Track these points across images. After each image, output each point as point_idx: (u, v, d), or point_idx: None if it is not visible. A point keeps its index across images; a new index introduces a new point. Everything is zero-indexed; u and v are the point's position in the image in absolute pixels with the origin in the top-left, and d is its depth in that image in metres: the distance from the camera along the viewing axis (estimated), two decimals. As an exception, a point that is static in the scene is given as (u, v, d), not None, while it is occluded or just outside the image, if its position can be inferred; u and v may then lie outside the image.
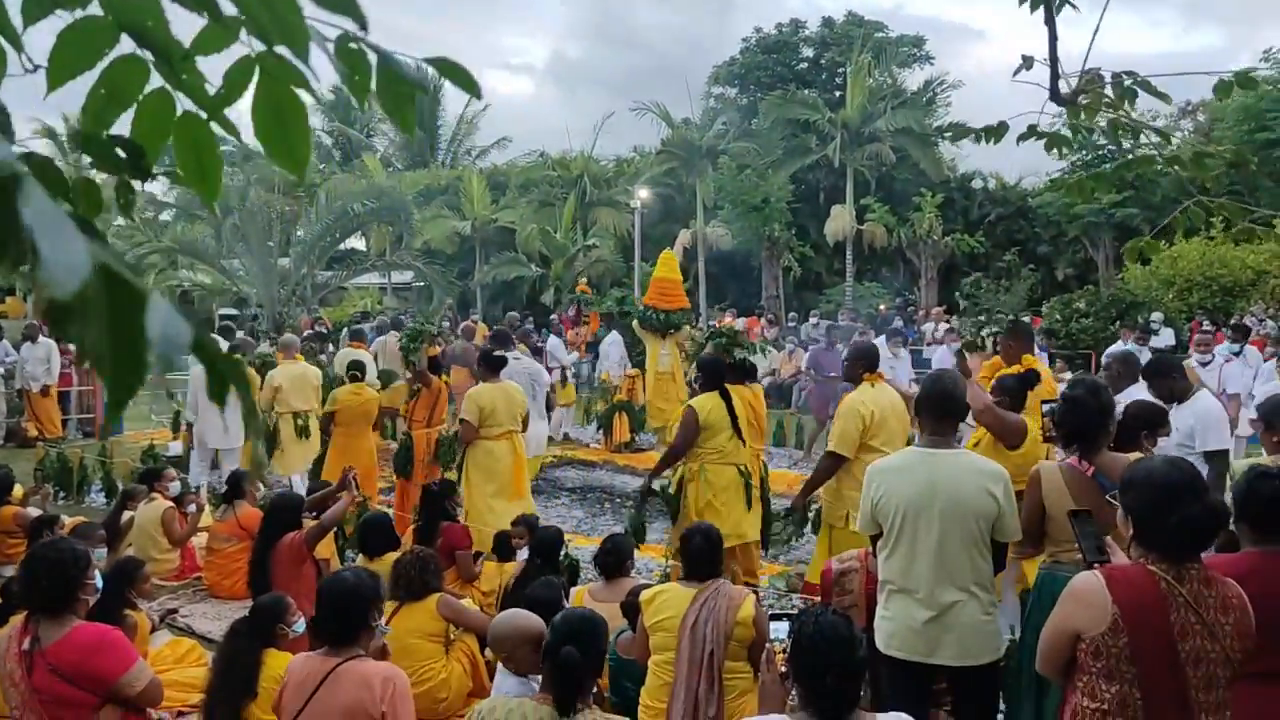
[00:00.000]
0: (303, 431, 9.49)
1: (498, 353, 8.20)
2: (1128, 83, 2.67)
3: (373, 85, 1.08)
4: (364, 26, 1.02)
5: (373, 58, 1.07)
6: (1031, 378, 5.81)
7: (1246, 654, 2.65)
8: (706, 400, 6.64)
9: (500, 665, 4.08)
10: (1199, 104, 30.79)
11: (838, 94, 34.98)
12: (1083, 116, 2.76)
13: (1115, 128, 2.99)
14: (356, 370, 9.27)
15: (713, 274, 33.05)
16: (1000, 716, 4.46)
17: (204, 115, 1.12)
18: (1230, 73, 2.70)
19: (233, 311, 32.16)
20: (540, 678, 3.96)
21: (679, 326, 12.63)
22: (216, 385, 0.88)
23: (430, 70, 1.12)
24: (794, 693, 2.69)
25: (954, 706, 4.10)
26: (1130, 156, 3.42)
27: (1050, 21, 2.59)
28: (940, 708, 4.29)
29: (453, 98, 57.24)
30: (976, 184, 34.91)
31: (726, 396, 6.61)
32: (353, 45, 1.05)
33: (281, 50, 1.02)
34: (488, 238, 34.75)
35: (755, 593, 4.82)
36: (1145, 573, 2.67)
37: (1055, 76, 2.67)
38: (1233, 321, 15.59)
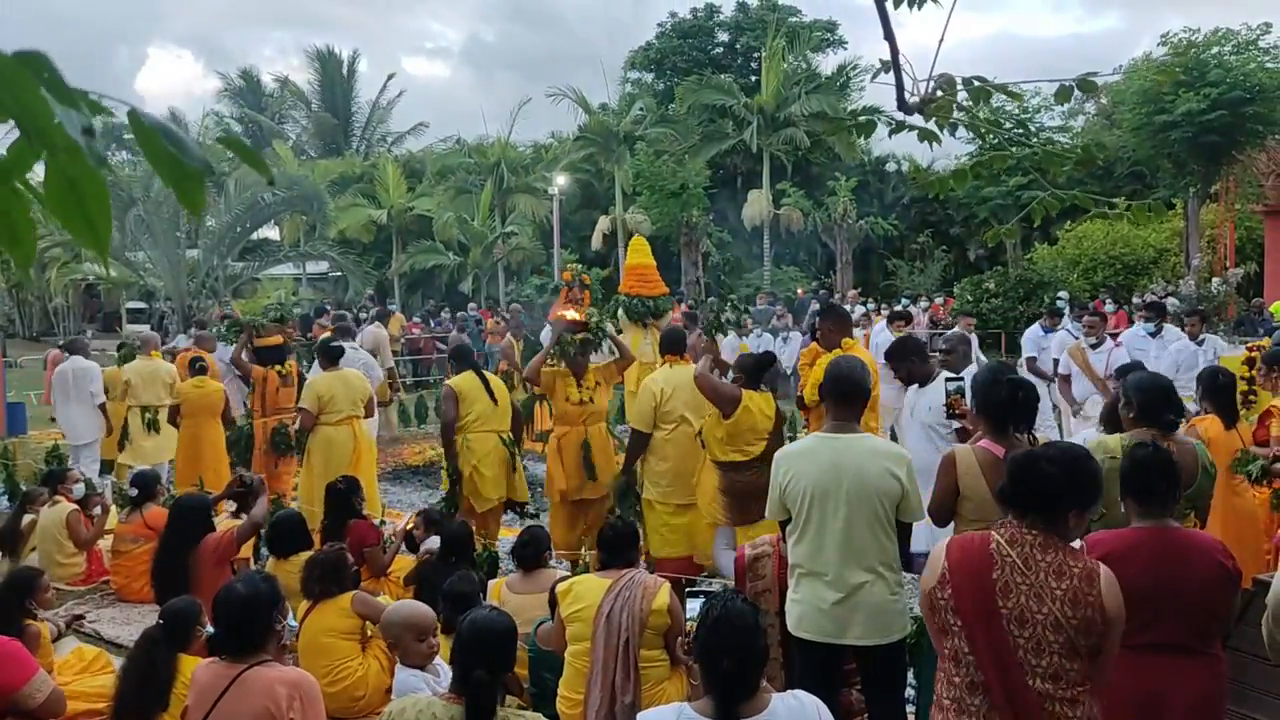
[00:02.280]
0: (151, 425, 9.80)
1: (335, 343, 8.67)
2: (975, 85, 2.75)
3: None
4: (89, 129, 1.01)
5: (164, 142, 1.05)
6: (766, 360, 6.41)
7: (1089, 626, 2.70)
8: (461, 380, 7.29)
9: (399, 661, 4.11)
10: (1102, 87, 31.68)
11: (753, 79, 35.25)
12: (934, 120, 2.84)
13: (972, 128, 3.11)
14: (197, 366, 9.70)
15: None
16: (910, 691, 4.58)
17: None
18: (1073, 78, 2.79)
19: (140, 305, 31.33)
20: (434, 667, 3.98)
21: (663, 313, 12.28)
22: None
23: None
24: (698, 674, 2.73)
25: (864, 685, 4.19)
26: (993, 152, 3.53)
27: (889, 37, 2.66)
28: (851, 686, 4.39)
29: (367, 83, 56.35)
30: (890, 167, 35.48)
31: (480, 374, 7.35)
32: (144, 123, 1.03)
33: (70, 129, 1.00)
34: (404, 226, 34.35)
35: None
36: (981, 536, 2.85)
37: (900, 88, 2.74)
38: (1146, 299, 15.49)
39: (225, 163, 33.99)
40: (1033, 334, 11.22)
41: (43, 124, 0.98)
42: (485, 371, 7.49)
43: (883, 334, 11.60)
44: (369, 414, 8.29)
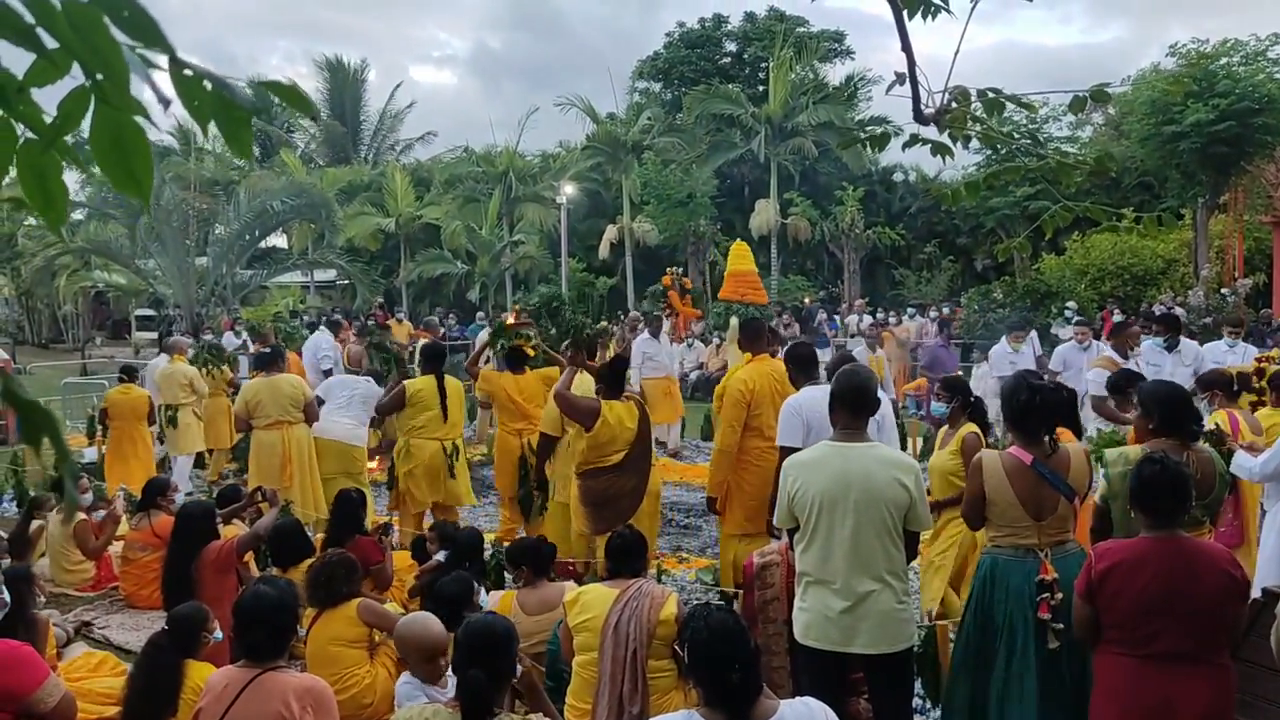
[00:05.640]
0: (171, 421, 10.42)
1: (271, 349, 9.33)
2: (990, 96, 2.77)
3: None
4: (173, 55, 1.04)
5: (207, 84, 1.08)
6: (620, 365, 6.64)
7: None
8: (420, 381, 7.67)
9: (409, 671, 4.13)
10: (1112, 97, 31.51)
11: (761, 89, 35.26)
12: (949, 133, 2.86)
13: (986, 139, 3.13)
14: (126, 374, 10.46)
15: (640, 270, 33.14)
16: (917, 700, 4.58)
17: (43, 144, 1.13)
18: (1087, 89, 2.82)
19: (149, 312, 31.42)
20: (440, 685, 3.99)
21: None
22: (30, 432, 0.97)
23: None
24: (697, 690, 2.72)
25: (871, 693, 4.19)
26: (1006, 164, 3.54)
27: (907, 49, 2.67)
28: (859, 695, 4.39)
29: (375, 92, 56.46)
30: (898, 177, 35.51)
31: (440, 380, 7.62)
32: (188, 73, 1.06)
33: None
34: (412, 234, 34.39)
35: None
36: None
37: (916, 99, 2.75)
38: (1157, 312, 15.18)
39: (234, 171, 34.21)
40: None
41: (115, 66, 1.01)
42: (448, 379, 7.79)
43: (1002, 345, 11.42)
44: (310, 419, 8.36)
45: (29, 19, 0.99)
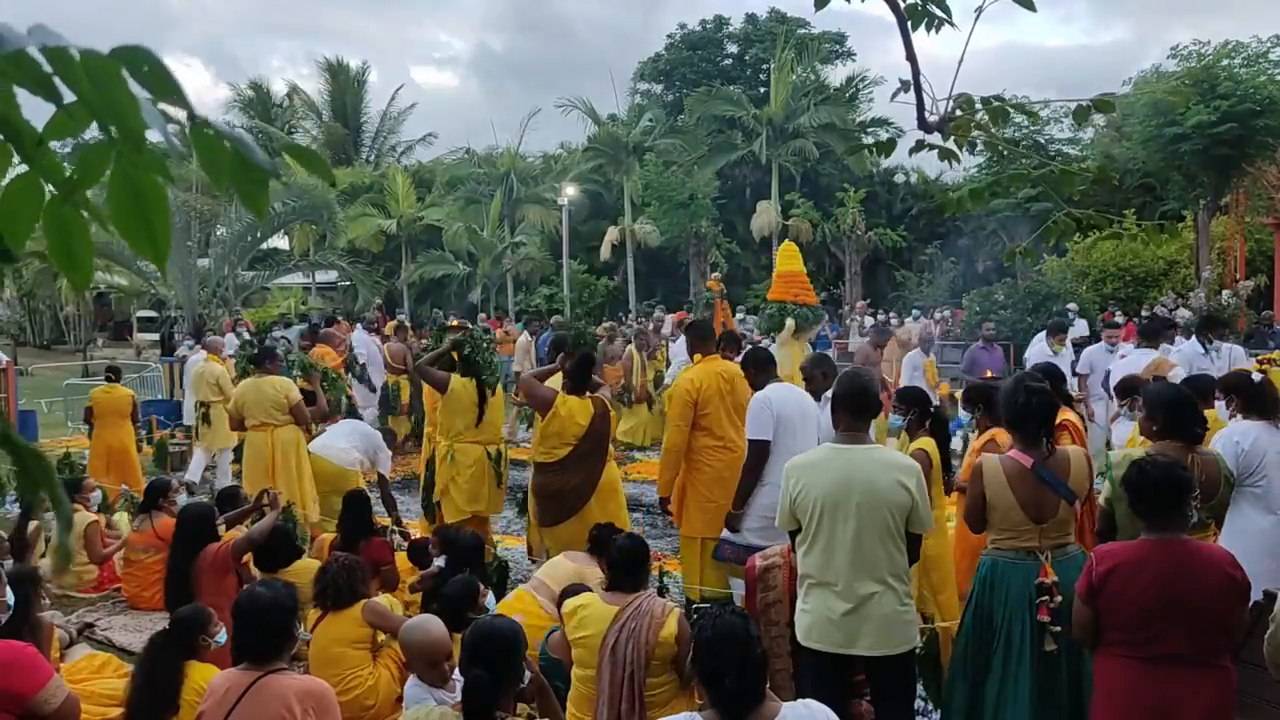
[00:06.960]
0: (204, 419, 10.73)
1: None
2: (994, 104, 2.78)
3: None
4: (193, 113, 1.03)
5: (226, 144, 1.07)
6: (586, 362, 6.70)
7: None
8: (460, 380, 7.30)
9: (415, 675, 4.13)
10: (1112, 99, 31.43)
11: (762, 90, 35.31)
12: (953, 140, 2.87)
13: (991, 147, 3.15)
14: (111, 373, 10.80)
15: (641, 271, 33.16)
16: (918, 703, 4.59)
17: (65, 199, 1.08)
18: (1089, 99, 2.83)
19: (151, 314, 31.42)
20: (451, 683, 4.00)
21: (815, 323, 11.70)
22: (26, 485, 0.95)
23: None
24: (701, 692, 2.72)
25: (873, 696, 4.19)
26: (1010, 170, 3.55)
27: (911, 58, 2.68)
28: (861, 698, 4.39)
29: (376, 93, 56.44)
30: (899, 179, 35.51)
31: (480, 382, 7.33)
32: (208, 131, 1.05)
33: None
34: (414, 236, 34.42)
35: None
36: None
37: (921, 107, 2.76)
38: (1159, 314, 14.91)
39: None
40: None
41: (131, 122, 0.99)
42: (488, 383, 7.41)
43: (1039, 344, 11.29)
44: (299, 421, 8.34)
45: (47, 68, 0.96)
